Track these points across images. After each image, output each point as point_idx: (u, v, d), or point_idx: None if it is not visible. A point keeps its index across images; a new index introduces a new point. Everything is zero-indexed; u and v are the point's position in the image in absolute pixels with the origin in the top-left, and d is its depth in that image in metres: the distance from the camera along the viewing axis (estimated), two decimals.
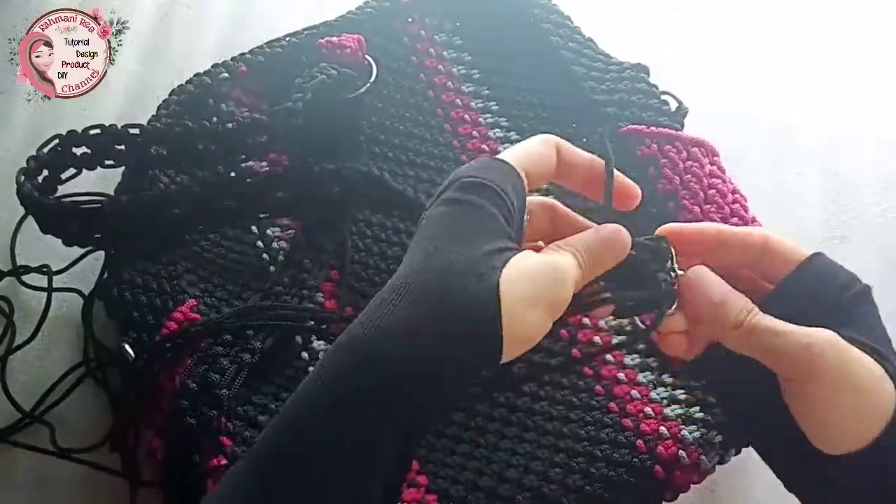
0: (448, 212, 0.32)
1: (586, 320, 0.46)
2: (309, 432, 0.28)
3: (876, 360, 0.31)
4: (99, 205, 0.45)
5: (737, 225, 0.45)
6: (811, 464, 0.32)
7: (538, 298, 0.30)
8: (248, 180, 0.46)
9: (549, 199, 0.37)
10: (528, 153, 0.35)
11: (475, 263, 0.30)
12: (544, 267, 0.31)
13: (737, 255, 0.35)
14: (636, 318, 0.44)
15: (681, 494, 0.42)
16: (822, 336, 0.31)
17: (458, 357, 0.29)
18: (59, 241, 0.47)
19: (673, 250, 0.34)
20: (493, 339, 0.29)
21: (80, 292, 0.52)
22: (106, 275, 0.50)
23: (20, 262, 0.54)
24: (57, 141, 0.47)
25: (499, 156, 0.34)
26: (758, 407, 0.35)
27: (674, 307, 0.34)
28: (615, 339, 0.45)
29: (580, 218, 0.37)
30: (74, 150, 0.47)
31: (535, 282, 0.30)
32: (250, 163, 0.51)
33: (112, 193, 0.51)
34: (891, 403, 0.30)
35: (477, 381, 0.43)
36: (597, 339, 0.45)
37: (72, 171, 0.48)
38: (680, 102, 0.51)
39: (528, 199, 0.35)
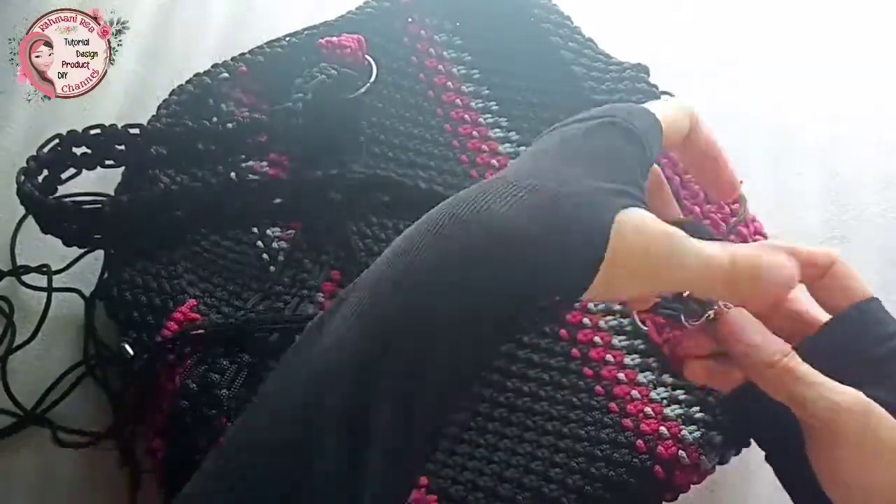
0: (594, 146, 0.30)
1: (586, 320, 0.46)
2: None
3: None
4: (99, 205, 0.46)
5: (734, 225, 0.45)
6: None
7: (646, 262, 0.29)
8: (251, 180, 0.46)
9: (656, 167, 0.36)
10: (674, 119, 0.33)
11: (603, 195, 0.28)
12: (666, 236, 0.29)
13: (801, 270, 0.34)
14: (636, 318, 0.44)
15: (681, 494, 0.42)
16: (851, 398, 0.31)
17: (546, 274, 0.28)
18: (59, 241, 0.47)
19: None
20: (586, 275, 0.28)
21: (80, 292, 0.52)
22: (106, 275, 0.50)
23: (20, 262, 0.54)
24: (57, 141, 0.47)
25: (654, 110, 0.33)
26: (786, 451, 0.35)
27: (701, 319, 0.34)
28: (615, 340, 0.45)
29: (671, 198, 0.37)
30: (74, 149, 0.47)
31: (650, 243, 0.29)
32: (251, 163, 0.51)
33: (112, 193, 0.51)
34: None
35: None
36: (597, 339, 0.45)
37: (72, 171, 0.48)
38: None
39: None
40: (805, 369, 0.32)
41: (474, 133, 0.52)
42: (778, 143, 0.56)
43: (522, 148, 0.51)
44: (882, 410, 0.31)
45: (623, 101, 0.50)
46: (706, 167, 0.36)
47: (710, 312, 0.34)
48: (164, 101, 0.53)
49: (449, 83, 0.53)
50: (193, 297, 0.47)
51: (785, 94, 0.58)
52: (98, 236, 0.47)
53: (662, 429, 0.42)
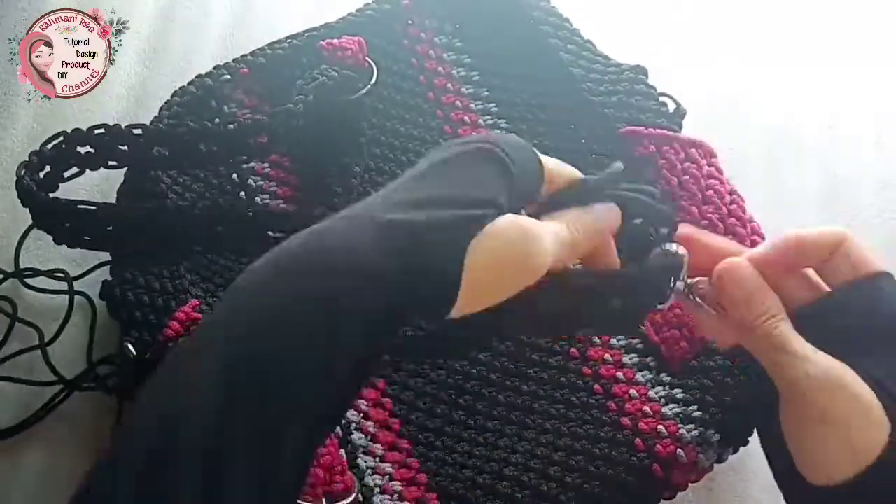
0: (454, 166, 0.31)
1: None
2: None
3: (884, 402, 0.31)
4: (94, 207, 0.46)
5: (734, 225, 0.46)
6: (797, 487, 0.32)
7: (504, 262, 0.29)
8: (259, 211, 0.47)
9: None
10: (556, 165, 0.35)
11: (457, 216, 0.29)
12: (517, 231, 0.30)
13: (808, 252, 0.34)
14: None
15: (679, 493, 0.42)
16: (822, 371, 0.31)
17: (414, 297, 0.28)
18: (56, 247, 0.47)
19: (685, 259, 0.35)
20: (447, 298, 0.28)
21: (88, 297, 0.52)
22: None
23: (32, 264, 0.54)
24: (62, 138, 0.47)
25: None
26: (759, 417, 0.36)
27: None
28: (613, 339, 0.46)
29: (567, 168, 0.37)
30: (79, 149, 0.47)
31: (503, 245, 0.29)
32: (252, 164, 0.52)
33: (115, 193, 0.51)
34: (877, 447, 0.30)
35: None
36: (595, 338, 0.46)
37: (75, 170, 0.48)
38: (678, 104, 0.51)
39: None
40: (785, 335, 0.32)
41: (474, 135, 0.52)
42: (776, 143, 0.57)
43: None
44: (857, 389, 0.31)
45: (622, 102, 0.50)
46: None
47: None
48: (165, 102, 0.53)
49: (449, 85, 0.53)
50: (195, 296, 0.47)
51: (783, 94, 0.58)
52: (88, 238, 0.47)
53: (660, 427, 0.42)
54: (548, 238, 0.30)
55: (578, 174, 0.35)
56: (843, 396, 0.31)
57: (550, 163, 0.34)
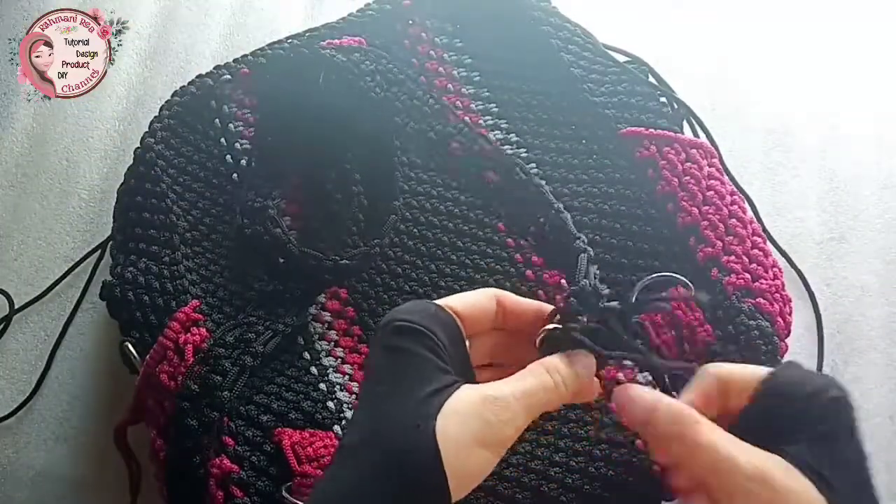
0: (385, 363, 0.33)
1: None
2: None
3: (821, 488, 0.30)
4: None
5: (735, 226, 0.46)
6: None
7: (477, 439, 0.30)
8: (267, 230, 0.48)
9: (494, 292, 0.37)
10: (463, 301, 0.35)
11: (412, 413, 0.30)
12: (482, 404, 0.31)
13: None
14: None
15: None
16: (752, 466, 0.30)
17: None
18: None
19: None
20: (438, 487, 0.29)
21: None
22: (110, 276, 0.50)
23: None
24: None
25: (437, 301, 0.35)
26: None
27: None
28: None
29: (526, 302, 0.37)
30: None
31: (471, 422, 0.30)
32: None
33: (114, 192, 0.51)
34: None
35: None
36: None
37: None
38: (679, 104, 0.51)
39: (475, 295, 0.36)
40: (718, 437, 0.31)
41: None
42: (776, 143, 0.57)
43: (522, 150, 0.51)
44: (794, 476, 0.30)
45: (623, 102, 0.50)
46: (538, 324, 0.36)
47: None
48: (165, 102, 0.53)
49: (449, 85, 0.53)
50: (195, 297, 0.47)
51: (784, 94, 0.58)
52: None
53: None
54: (513, 399, 0.31)
55: (543, 306, 0.36)
56: (785, 495, 0.30)
57: (508, 300, 0.35)
